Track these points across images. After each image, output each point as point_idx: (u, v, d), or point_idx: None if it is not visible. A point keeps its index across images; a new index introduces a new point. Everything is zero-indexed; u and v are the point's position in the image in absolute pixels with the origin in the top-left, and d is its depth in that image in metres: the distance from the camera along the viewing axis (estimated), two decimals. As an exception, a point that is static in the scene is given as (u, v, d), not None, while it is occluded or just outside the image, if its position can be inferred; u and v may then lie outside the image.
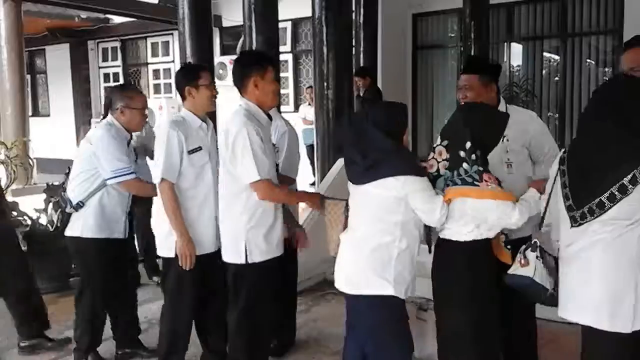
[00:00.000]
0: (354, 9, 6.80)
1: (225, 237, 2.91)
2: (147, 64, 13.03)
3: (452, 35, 9.25)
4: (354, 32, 6.66)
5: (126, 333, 3.56)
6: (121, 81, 13.52)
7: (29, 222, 4.91)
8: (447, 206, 2.38)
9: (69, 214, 3.24)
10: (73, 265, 4.24)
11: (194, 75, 3.02)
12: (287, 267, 3.54)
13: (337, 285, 2.56)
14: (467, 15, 7.41)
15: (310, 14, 5.83)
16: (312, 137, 7.04)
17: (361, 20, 7.31)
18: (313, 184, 7.72)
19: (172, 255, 2.95)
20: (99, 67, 13.84)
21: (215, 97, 3.06)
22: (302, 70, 10.96)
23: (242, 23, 5.27)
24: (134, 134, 3.47)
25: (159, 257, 3.17)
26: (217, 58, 9.98)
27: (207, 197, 2.99)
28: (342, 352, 3.55)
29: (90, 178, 3.21)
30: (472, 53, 7.37)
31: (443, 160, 2.47)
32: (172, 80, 12.33)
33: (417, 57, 9.34)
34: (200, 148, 2.96)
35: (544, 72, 8.67)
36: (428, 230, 2.55)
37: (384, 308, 2.42)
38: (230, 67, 10.12)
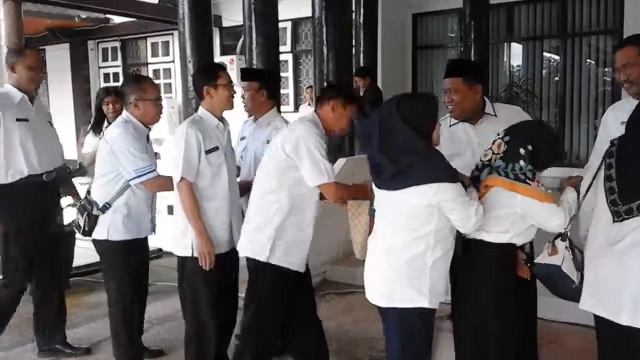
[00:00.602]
0: (354, 9, 6.80)
1: (251, 233, 2.87)
2: (147, 64, 13.02)
3: (452, 35, 9.26)
4: (354, 32, 6.66)
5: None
6: (121, 81, 13.53)
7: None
8: (482, 210, 2.30)
9: (96, 217, 3.16)
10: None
11: (213, 75, 3.00)
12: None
13: (369, 297, 2.45)
14: (467, 15, 7.41)
15: (310, 14, 5.83)
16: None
17: (361, 20, 7.31)
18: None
19: (189, 254, 2.93)
20: (99, 67, 13.84)
21: (233, 97, 3.05)
22: (302, 70, 10.96)
23: (242, 23, 5.27)
24: None
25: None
26: (217, 58, 9.97)
27: (224, 196, 2.97)
28: (341, 351, 3.57)
29: (114, 179, 3.14)
30: (472, 53, 7.37)
31: (501, 152, 2.40)
32: (172, 80, 12.38)
33: (417, 57, 9.35)
34: (217, 148, 2.95)
35: (544, 72, 8.67)
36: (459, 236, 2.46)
37: (417, 321, 2.34)
38: (230, 67, 10.14)
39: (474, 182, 2.44)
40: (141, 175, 3.07)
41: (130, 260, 3.21)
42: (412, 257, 2.27)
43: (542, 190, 2.31)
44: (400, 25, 9.24)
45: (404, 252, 2.28)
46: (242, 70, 3.99)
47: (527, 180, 2.31)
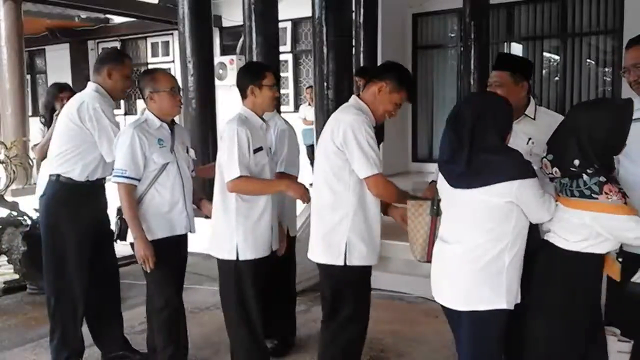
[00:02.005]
0: (354, 9, 6.79)
1: (319, 236, 2.77)
2: (147, 64, 13.02)
3: (452, 35, 9.25)
4: (354, 32, 6.65)
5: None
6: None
7: (29, 222, 4.91)
8: (554, 205, 2.22)
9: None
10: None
11: (259, 75, 2.96)
12: (287, 267, 3.55)
13: (439, 300, 2.35)
14: (467, 15, 7.40)
15: (310, 14, 5.82)
16: (312, 137, 7.04)
17: (361, 20, 7.30)
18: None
19: (233, 257, 2.90)
20: (99, 67, 13.83)
21: (276, 99, 3.02)
22: (302, 70, 10.96)
23: (242, 23, 5.26)
24: None
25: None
26: (217, 58, 9.97)
27: (267, 198, 2.94)
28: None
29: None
30: (472, 53, 7.37)
31: (553, 172, 2.25)
32: (172, 80, 12.39)
33: (417, 57, 9.34)
34: (261, 148, 2.92)
35: (544, 72, 8.67)
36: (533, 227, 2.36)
37: (494, 322, 2.26)
38: (230, 67, 10.14)
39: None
40: (116, 176, 2.97)
41: (167, 259, 3.05)
42: (491, 258, 2.19)
43: (613, 202, 2.11)
44: (400, 25, 9.24)
45: (481, 253, 2.20)
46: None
47: (593, 195, 2.12)
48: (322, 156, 2.73)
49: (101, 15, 12.29)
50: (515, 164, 2.16)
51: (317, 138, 5.86)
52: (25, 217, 4.97)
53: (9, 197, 5.44)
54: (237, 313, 2.98)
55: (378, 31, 7.52)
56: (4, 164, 6.13)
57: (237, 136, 2.80)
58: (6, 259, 5.01)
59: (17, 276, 4.96)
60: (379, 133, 2.99)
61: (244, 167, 2.79)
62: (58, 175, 3.24)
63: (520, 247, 2.23)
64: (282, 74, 8.82)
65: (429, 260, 2.49)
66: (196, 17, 4.97)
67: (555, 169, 2.23)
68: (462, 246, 2.24)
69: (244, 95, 2.98)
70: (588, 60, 8.29)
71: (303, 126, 9.52)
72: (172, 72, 12.32)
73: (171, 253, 3.07)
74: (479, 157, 2.16)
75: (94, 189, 3.32)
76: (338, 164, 2.65)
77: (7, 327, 4.09)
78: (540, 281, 2.28)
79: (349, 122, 2.61)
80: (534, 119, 2.75)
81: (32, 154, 5.84)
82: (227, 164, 2.82)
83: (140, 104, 12.36)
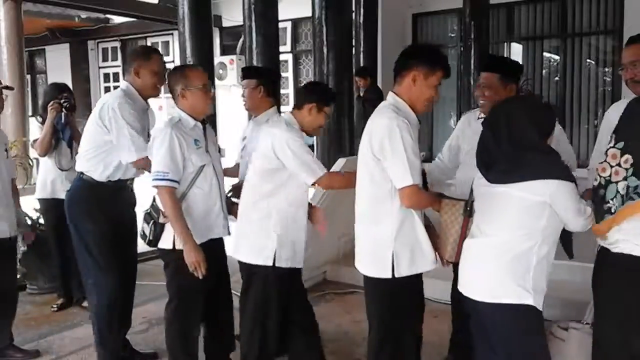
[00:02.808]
0: (354, 9, 6.80)
1: (365, 248, 2.64)
2: (147, 64, 13.03)
3: (452, 35, 9.25)
4: (354, 32, 6.65)
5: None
6: (121, 81, 13.56)
7: (29, 222, 4.91)
8: (590, 211, 2.19)
9: (162, 225, 2.88)
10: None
11: (325, 96, 3.00)
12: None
13: (465, 292, 2.32)
14: (467, 15, 7.41)
15: (310, 14, 5.83)
16: (312, 137, 7.04)
17: (361, 20, 7.31)
18: (313, 184, 7.71)
19: (269, 263, 2.83)
20: (99, 67, 13.85)
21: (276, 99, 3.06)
22: (302, 70, 10.96)
23: (242, 23, 5.27)
24: None
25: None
26: (217, 58, 9.98)
27: (305, 208, 2.97)
28: (340, 351, 3.56)
29: None
30: (472, 53, 7.37)
31: (628, 166, 2.15)
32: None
33: (417, 57, 9.34)
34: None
35: (544, 72, 8.67)
36: (569, 237, 2.32)
37: (522, 318, 2.21)
38: (230, 67, 10.15)
39: (596, 198, 2.26)
40: (156, 179, 2.79)
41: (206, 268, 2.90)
42: (518, 254, 2.17)
43: None
44: (400, 25, 9.24)
45: (511, 248, 2.18)
46: (242, 68, 3.97)
47: None
48: (362, 164, 2.60)
49: (101, 15, 12.29)
50: (555, 164, 2.14)
51: (317, 137, 5.88)
52: (26, 217, 4.96)
53: (8, 197, 5.44)
54: (259, 320, 2.88)
55: (378, 31, 7.53)
56: (4, 164, 6.12)
57: (300, 142, 2.81)
58: (6, 259, 5.01)
59: (17, 276, 4.95)
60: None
61: (318, 171, 2.85)
62: (82, 173, 3.22)
63: (550, 251, 2.19)
64: (282, 74, 8.82)
65: (457, 261, 2.44)
66: (196, 17, 4.96)
67: (626, 156, 2.14)
68: (491, 240, 2.24)
69: (299, 108, 2.98)
70: (588, 60, 8.29)
71: (303, 126, 9.50)
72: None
73: (207, 259, 2.88)
74: (518, 154, 2.14)
75: (115, 190, 3.24)
76: (378, 173, 2.50)
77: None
78: (612, 292, 2.24)
79: (383, 128, 2.45)
80: None
81: (32, 154, 5.82)
82: (299, 170, 2.82)
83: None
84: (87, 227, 3.20)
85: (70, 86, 4.75)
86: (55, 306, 4.38)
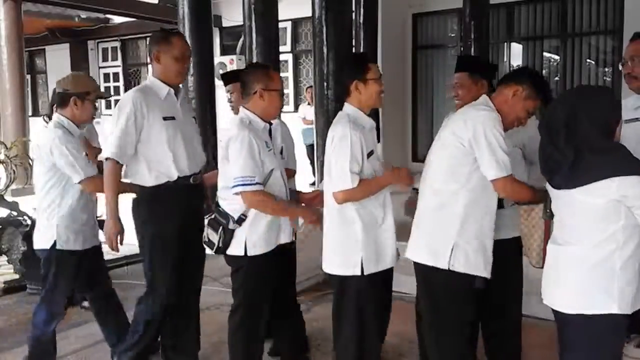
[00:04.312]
0: (354, 9, 6.79)
1: (423, 235, 2.59)
2: (147, 64, 13.02)
3: (452, 35, 9.25)
4: (354, 32, 6.65)
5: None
6: (121, 81, 13.58)
7: (29, 222, 4.91)
8: None
9: (232, 231, 2.80)
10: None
11: (362, 68, 2.73)
12: (287, 267, 3.54)
13: (549, 303, 2.22)
14: (467, 15, 7.39)
15: (310, 14, 5.82)
16: (311, 136, 7.04)
17: (361, 20, 7.30)
18: (313, 183, 7.72)
19: (357, 272, 2.69)
20: (99, 67, 13.86)
21: (383, 93, 2.77)
22: (302, 70, 10.96)
23: (242, 23, 5.27)
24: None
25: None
26: (217, 58, 9.97)
27: (385, 204, 2.75)
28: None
29: None
30: (472, 53, 7.37)
31: None
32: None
33: (417, 57, 9.33)
34: (373, 152, 2.72)
35: (544, 72, 8.66)
36: None
37: (607, 329, 2.10)
38: (230, 67, 10.14)
39: None
40: (240, 185, 2.70)
41: (268, 273, 2.89)
42: (600, 260, 2.07)
43: None
44: (400, 25, 9.23)
45: (590, 254, 2.09)
46: (223, 74, 3.78)
47: None
48: (439, 152, 2.53)
49: (101, 15, 12.29)
50: (617, 160, 2.03)
51: (317, 137, 5.89)
52: (25, 217, 4.97)
53: (9, 197, 5.45)
54: (353, 331, 2.77)
55: (378, 31, 7.52)
56: (4, 164, 6.14)
57: (351, 141, 2.59)
58: (6, 259, 5.02)
59: (17, 276, 4.96)
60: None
61: (355, 178, 2.60)
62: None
63: (635, 251, 2.08)
64: (282, 74, 8.83)
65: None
66: (196, 17, 4.97)
67: None
68: (571, 247, 2.14)
69: (348, 93, 2.74)
70: (588, 60, 8.29)
71: (303, 126, 9.53)
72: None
73: (275, 267, 2.90)
74: (582, 157, 2.05)
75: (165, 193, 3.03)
76: (458, 162, 2.45)
77: (7, 327, 4.09)
78: None
79: (481, 118, 2.42)
80: None
81: (32, 154, 5.82)
82: (337, 173, 2.63)
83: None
84: (150, 228, 3.07)
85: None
86: (55, 306, 4.38)
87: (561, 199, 2.16)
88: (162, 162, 2.95)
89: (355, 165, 2.60)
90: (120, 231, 2.92)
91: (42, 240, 3.20)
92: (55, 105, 3.27)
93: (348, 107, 2.75)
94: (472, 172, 2.43)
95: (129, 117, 2.88)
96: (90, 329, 4.05)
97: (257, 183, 2.70)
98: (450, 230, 2.46)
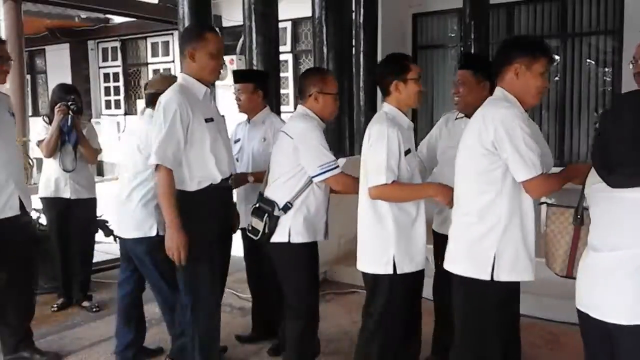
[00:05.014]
0: (354, 9, 6.79)
1: (461, 247, 2.46)
2: (147, 64, 13.04)
3: (452, 35, 9.25)
4: (354, 32, 6.65)
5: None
6: (121, 81, 13.58)
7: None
8: None
9: (277, 218, 2.87)
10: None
11: (402, 68, 2.70)
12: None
13: (596, 315, 2.02)
14: (467, 15, 7.40)
15: (310, 14, 5.82)
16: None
17: (361, 20, 7.30)
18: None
19: (389, 271, 2.66)
20: (99, 67, 13.85)
21: (422, 92, 2.75)
22: (302, 70, 10.94)
23: (242, 23, 5.26)
24: None
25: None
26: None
27: (419, 203, 2.71)
28: (341, 352, 3.56)
29: (296, 175, 2.87)
30: (472, 53, 7.37)
31: None
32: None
33: (417, 57, 9.33)
34: (410, 150, 2.70)
35: (544, 72, 8.66)
36: None
37: None
38: (230, 67, 10.14)
39: None
40: (326, 172, 2.81)
41: (312, 267, 2.97)
42: None
43: None
44: (400, 25, 9.24)
45: (636, 259, 1.93)
46: (236, 72, 3.84)
47: None
48: (467, 158, 2.44)
49: (101, 15, 12.28)
50: None
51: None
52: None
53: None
54: (381, 332, 2.74)
55: (378, 31, 7.52)
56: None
57: (389, 140, 2.58)
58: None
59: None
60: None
61: (390, 175, 2.57)
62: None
63: None
64: (282, 74, 8.83)
65: (570, 275, 2.27)
66: (196, 17, 4.96)
67: None
68: (621, 254, 1.96)
69: (387, 92, 2.74)
70: (588, 60, 8.29)
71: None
72: (172, 72, 12.33)
73: (316, 259, 2.99)
74: None
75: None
76: (487, 167, 2.33)
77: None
78: None
79: (500, 118, 2.28)
80: None
81: (32, 154, 5.81)
82: (372, 170, 2.62)
83: (140, 104, 12.41)
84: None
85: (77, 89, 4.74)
86: (55, 306, 4.38)
87: (614, 200, 1.98)
88: (204, 165, 2.85)
89: (393, 161, 2.58)
90: (185, 243, 2.76)
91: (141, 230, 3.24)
92: (146, 104, 3.37)
93: (387, 107, 2.75)
94: (505, 173, 2.31)
95: (176, 119, 2.74)
96: (90, 329, 4.05)
97: (337, 167, 2.84)
98: (490, 239, 2.34)
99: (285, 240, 2.87)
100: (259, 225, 2.90)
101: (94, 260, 4.71)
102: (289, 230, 2.87)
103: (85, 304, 4.42)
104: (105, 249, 5.32)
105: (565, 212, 2.34)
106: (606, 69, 8.12)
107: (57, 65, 13.57)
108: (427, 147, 3.29)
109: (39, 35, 12.85)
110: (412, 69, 2.70)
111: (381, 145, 2.58)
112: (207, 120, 2.84)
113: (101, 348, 3.69)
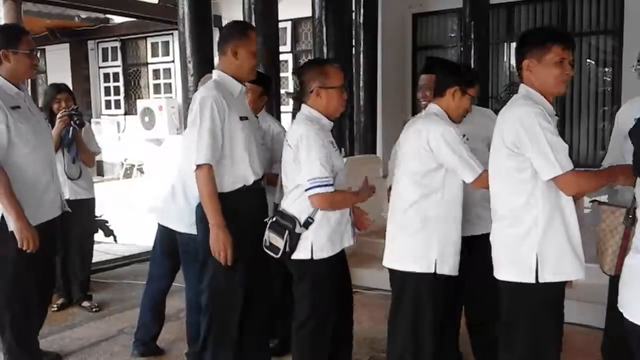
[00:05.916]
0: (354, 9, 6.80)
1: (501, 251, 2.38)
2: (147, 64, 13.03)
3: (452, 35, 9.25)
4: (354, 32, 6.65)
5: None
6: (121, 81, 13.58)
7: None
8: None
9: (298, 235, 2.66)
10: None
11: (468, 82, 2.70)
12: (288, 267, 3.53)
13: (632, 318, 1.93)
14: (467, 15, 7.40)
15: (310, 14, 5.83)
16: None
17: (361, 20, 7.30)
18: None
19: (430, 270, 2.62)
20: (99, 67, 13.84)
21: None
22: (302, 70, 10.94)
23: (242, 23, 5.26)
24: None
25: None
26: (217, 58, 9.97)
27: (456, 203, 2.68)
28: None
29: None
30: (472, 53, 7.37)
31: None
32: (172, 81, 12.38)
33: (417, 57, 9.34)
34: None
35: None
36: None
37: None
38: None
39: None
40: (315, 187, 2.58)
41: (334, 278, 2.76)
42: None
43: None
44: (400, 25, 9.24)
45: None
46: None
47: None
48: (495, 161, 2.38)
49: (101, 15, 12.27)
50: None
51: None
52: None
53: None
54: (414, 334, 2.69)
55: (378, 31, 7.52)
56: (4, 164, 6.11)
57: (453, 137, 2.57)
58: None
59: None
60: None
61: (474, 168, 2.56)
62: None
63: None
64: (282, 74, 8.83)
65: (618, 274, 2.16)
66: (196, 17, 4.96)
67: None
68: None
69: (441, 94, 2.73)
70: (588, 60, 8.29)
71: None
72: (172, 72, 12.34)
73: (339, 271, 2.79)
74: None
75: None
76: (515, 167, 2.27)
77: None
78: None
79: (518, 117, 2.23)
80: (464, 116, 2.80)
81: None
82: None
83: (140, 104, 12.41)
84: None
85: (70, 86, 4.75)
86: (55, 306, 4.38)
87: None
88: (239, 165, 2.77)
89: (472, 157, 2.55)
90: (231, 243, 2.69)
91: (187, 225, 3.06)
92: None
93: (434, 107, 2.71)
94: (534, 173, 2.23)
95: (214, 116, 2.67)
96: (90, 329, 4.05)
97: (331, 184, 2.60)
98: (530, 241, 2.25)
99: (308, 257, 2.69)
100: (278, 242, 2.68)
101: (94, 260, 4.71)
102: (311, 246, 2.67)
103: (85, 304, 4.42)
104: (105, 249, 5.33)
105: (616, 212, 2.31)
106: (606, 69, 8.12)
107: (57, 65, 13.56)
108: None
109: (39, 35, 12.84)
110: (475, 86, 2.74)
111: (456, 145, 2.55)
112: (241, 119, 2.77)
113: (101, 348, 3.69)
